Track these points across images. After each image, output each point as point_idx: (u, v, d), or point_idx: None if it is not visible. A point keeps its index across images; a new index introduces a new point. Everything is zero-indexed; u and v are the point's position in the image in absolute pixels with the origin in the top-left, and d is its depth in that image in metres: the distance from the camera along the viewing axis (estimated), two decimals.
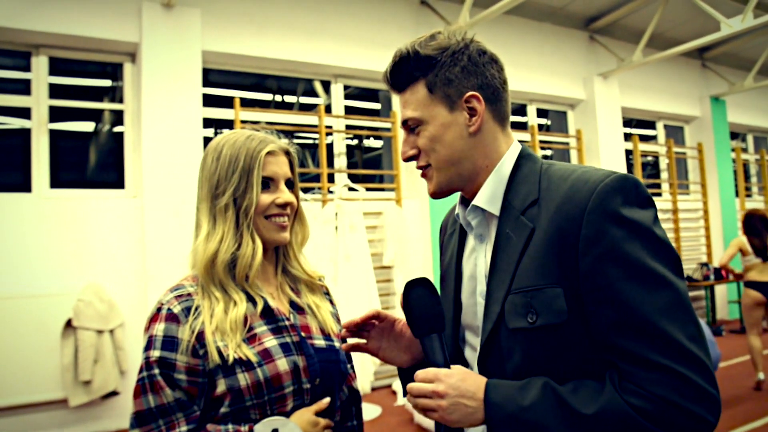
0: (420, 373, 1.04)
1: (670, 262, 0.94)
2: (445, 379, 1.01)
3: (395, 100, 6.75)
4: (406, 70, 1.12)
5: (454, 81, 1.10)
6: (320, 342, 1.32)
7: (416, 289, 1.11)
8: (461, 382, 1.00)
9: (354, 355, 5.95)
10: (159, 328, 1.18)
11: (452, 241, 1.27)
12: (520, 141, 1.19)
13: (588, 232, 0.95)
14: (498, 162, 1.13)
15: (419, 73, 1.11)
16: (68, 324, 4.51)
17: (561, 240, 0.98)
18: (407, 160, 1.17)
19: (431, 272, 6.34)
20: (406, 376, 1.30)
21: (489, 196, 1.12)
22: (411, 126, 1.14)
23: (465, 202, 1.19)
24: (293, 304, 1.35)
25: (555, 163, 1.11)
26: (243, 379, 1.17)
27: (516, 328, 1.01)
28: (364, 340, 1.30)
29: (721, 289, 9.24)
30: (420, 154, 1.15)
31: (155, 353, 1.16)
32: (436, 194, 1.17)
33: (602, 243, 0.94)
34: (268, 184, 1.29)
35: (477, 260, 1.15)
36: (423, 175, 1.18)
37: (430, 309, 1.09)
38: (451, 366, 1.05)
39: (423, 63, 1.11)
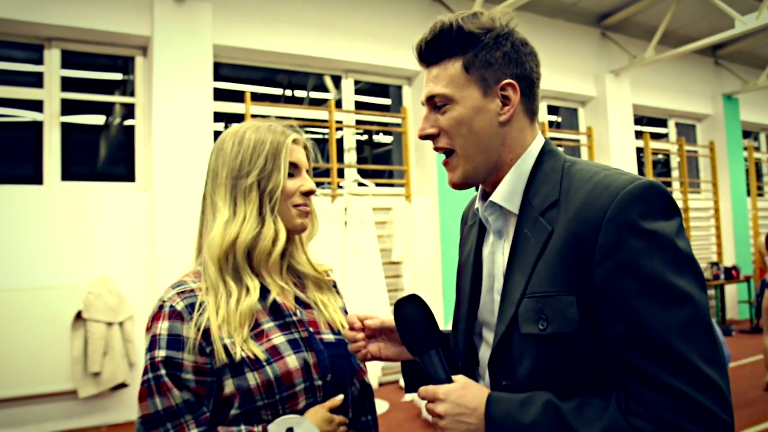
0: (421, 392, 1.02)
1: (691, 278, 0.88)
2: (444, 397, 0.98)
3: (406, 95, 6.73)
4: (446, 43, 1.05)
5: (494, 65, 1.04)
6: (329, 336, 1.29)
7: (407, 307, 1.08)
8: (461, 398, 0.98)
9: None
10: (163, 327, 1.13)
11: (472, 233, 1.22)
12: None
13: (605, 240, 0.90)
14: (521, 156, 1.08)
15: (459, 48, 1.04)
16: (78, 316, 4.54)
17: (577, 246, 0.93)
18: (424, 137, 1.10)
19: (440, 268, 6.33)
20: (408, 369, 1.29)
21: (508, 192, 1.06)
22: (437, 103, 1.07)
23: (485, 195, 1.13)
24: (298, 300, 1.31)
25: (578, 161, 1.05)
26: (252, 378, 1.13)
27: (527, 334, 0.97)
28: (362, 344, 1.26)
29: (731, 289, 9.18)
30: (440, 135, 1.08)
31: (160, 353, 1.11)
32: (458, 185, 1.10)
33: (619, 254, 0.89)
34: (292, 172, 1.27)
35: (495, 256, 1.10)
36: (445, 163, 1.11)
37: (423, 326, 1.06)
38: (453, 378, 1.02)
39: (465, 39, 1.04)
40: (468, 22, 1.04)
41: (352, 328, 1.23)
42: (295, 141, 1.28)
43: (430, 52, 1.08)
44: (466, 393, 0.99)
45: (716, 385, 0.84)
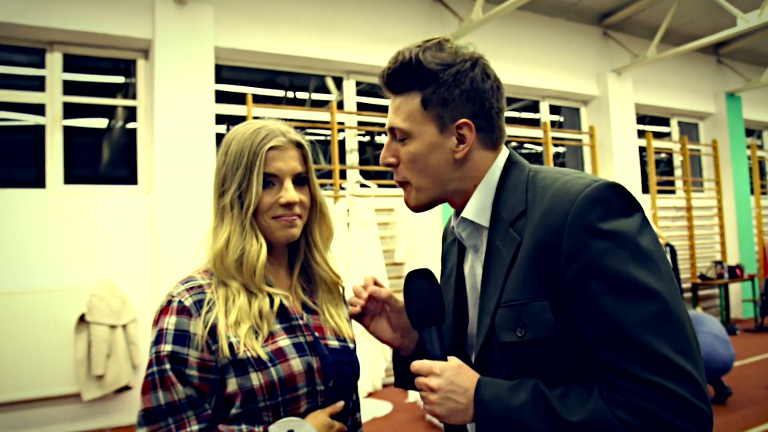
0: (415, 365, 1.04)
1: (657, 272, 0.91)
2: (440, 373, 1.01)
3: None
4: (405, 77, 1.08)
5: (451, 104, 1.06)
6: (334, 343, 1.28)
7: (417, 280, 1.10)
8: (455, 376, 1.00)
9: (365, 352, 5.90)
10: (170, 322, 1.13)
11: (453, 249, 1.25)
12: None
13: (568, 245, 0.93)
14: (486, 174, 1.10)
15: (417, 85, 1.07)
16: (81, 319, 4.55)
17: (544, 253, 0.96)
18: (385, 166, 1.14)
19: None
20: (398, 362, 1.31)
21: (477, 207, 1.09)
22: (398, 135, 1.10)
23: (458, 214, 1.15)
24: (305, 305, 1.30)
25: (541, 170, 1.08)
26: (256, 378, 1.13)
27: (506, 342, 1.00)
28: (357, 309, 1.27)
29: (735, 288, 9.14)
30: (399, 166, 1.11)
31: (166, 347, 1.11)
32: (414, 209, 1.15)
33: (583, 256, 0.92)
34: (272, 182, 1.21)
35: (476, 271, 1.13)
36: (402, 187, 1.14)
37: (430, 301, 1.08)
38: (449, 358, 1.04)
39: (423, 76, 1.06)
40: (429, 55, 1.06)
41: (358, 293, 1.26)
42: (275, 147, 1.21)
43: (392, 83, 1.11)
44: (460, 372, 1.02)
45: (690, 375, 0.86)
